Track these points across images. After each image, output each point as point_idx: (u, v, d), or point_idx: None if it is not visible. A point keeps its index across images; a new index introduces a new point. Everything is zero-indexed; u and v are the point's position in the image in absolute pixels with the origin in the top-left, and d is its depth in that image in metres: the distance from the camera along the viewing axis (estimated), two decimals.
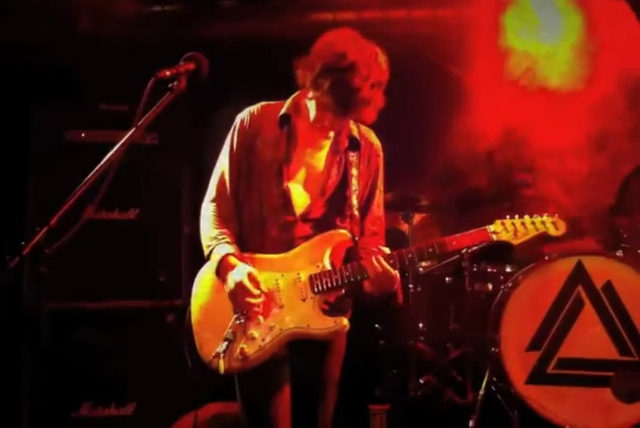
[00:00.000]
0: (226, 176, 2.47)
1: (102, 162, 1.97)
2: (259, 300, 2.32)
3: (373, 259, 2.32)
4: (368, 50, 2.33)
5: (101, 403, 3.71)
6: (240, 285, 2.30)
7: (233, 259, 2.35)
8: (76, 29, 4.26)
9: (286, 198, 2.40)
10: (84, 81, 4.10)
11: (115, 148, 1.99)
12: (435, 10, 4.50)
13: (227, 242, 2.39)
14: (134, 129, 2.03)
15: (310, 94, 2.40)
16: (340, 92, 2.30)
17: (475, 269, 4.31)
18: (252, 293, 2.31)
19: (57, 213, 1.87)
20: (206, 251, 2.43)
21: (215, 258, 2.38)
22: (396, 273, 2.34)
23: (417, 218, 4.62)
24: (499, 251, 4.29)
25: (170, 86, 2.12)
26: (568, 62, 4.05)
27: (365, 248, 2.43)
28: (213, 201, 2.49)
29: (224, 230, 2.42)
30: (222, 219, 2.44)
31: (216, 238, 2.41)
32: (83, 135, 3.84)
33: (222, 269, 2.36)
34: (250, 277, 2.32)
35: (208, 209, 2.48)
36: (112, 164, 1.97)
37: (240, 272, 2.32)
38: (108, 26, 4.37)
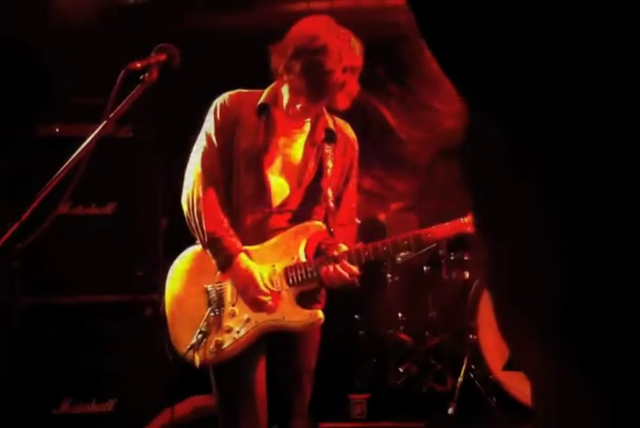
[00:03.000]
0: (215, 154, 2.39)
1: (73, 156, 1.96)
2: (269, 297, 2.32)
3: (337, 266, 2.30)
4: (341, 34, 2.32)
5: (81, 399, 3.70)
6: (255, 282, 2.30)
7: (244, 258, 2.33)
8: (45, 22, 4.21)
9: (264, 188, 2.38)
10: (55, 75, 4.05)
11: (86, 142, 1.98)
12: None
13: (234, 236, 2.34)
14: (105, 122, 2.02)
15: (284, 79, 2.38)
16: (311, 74, 2.29)
17: (452, 257, 4.33)
18: (264, 292, 2.31)
19: (29, 208, 1.87)
20: (202, 238, 2.34)
21: (225, 251, 2.31)
22: (357, 270, 2.33)
23: (394, 206, 4.64)
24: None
25: (141, 77, 2.11)
26: None
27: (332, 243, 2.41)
28: (202, 180, 2.36)
29: (224, 219, 2.34)
30: (217, 201, 2.36)
31: (218, 227, 2.32)
32: (57, 129, 3.80)
33: (234, 265, 2.32)
34: (261, 276, 2.33)
35: (196, 188, 2.36)
36: (84, 158, 1.96)
37: (252, 267, 2.32)
38: (78, 18, 4.32)
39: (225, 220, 2.35)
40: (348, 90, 2.34)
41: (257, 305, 2.33)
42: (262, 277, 2.33)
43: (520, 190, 0.72)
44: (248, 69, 2.62)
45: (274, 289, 2.35)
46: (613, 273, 0.67)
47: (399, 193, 4.57)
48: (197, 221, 2.35)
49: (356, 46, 2.34)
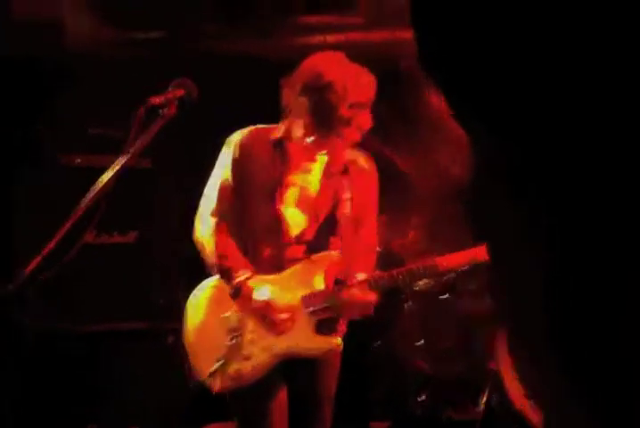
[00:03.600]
0: (229, 190, 2.47)
1: (96, 187, 2.00)
2: (286, 316, 2.35)
3: (348, 295, 2.35)
4: (349, 70, 2.36)
5: (105, 426, 3.72)
6: (268, 304, 2.34)
7: (254, 282, 2.38)
8: (58, 53, 4.28)
9: (279, 221, 2.43)
10: (72, 105, 4.12)
11: (109, 175, 2.02)
12: None
13: (244, 265, 2.40)
14: (128, 156, 2.07)
15: (294, 114, 2.44)
16: (317, 111, 2.35)
17: (471, 287, 4.31)
18: (281, 310, 2.35)
19: (52, 239, 1.91)
20: (217, 269, 2.43)
21: (235, 279, 2.38)
22: (374, 295, 2.37)
23: (411, 234, 4.65)
24: None
25: (160, 112, 2.16)
26: None
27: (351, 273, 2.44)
28: (215, 215, 2.47)
29: (234, 250, 2.42)
30: (228, 235, 2.44)
31: (228, 258, 2.41)
32: (79, 160, 3.88)
33: (244, 291, 2.37)
34: (273, 297, 2.36)
35: (210, 224, 2.46)
36: (106, 190, 2.01)
37: (264, 292, 2.36)
38: (91, 51, 4.39)
39: (236, 251, 2.42)
40: (358, 124, 2.38)
41: (275, 326, 2.35)
42: (274, 300, 2.36)
43: (516, 208, 0.76)
44: (264, 99, 2.67)
45: (292, 306, 2.38)
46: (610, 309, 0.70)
47: (414, 225, 4.57)
48: (208, 254, 2.44)
49: (365, 81, 2.37)
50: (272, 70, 2.55)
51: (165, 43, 4.54)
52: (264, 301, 2.34)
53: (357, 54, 2.47)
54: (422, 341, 4.46)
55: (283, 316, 2.35)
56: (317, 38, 4.43)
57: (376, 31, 4.48)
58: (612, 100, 0.71)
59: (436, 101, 4.22)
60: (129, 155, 2.05)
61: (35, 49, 4.09)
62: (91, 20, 4.41)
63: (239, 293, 2.38)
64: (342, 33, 4.47)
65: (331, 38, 4.41)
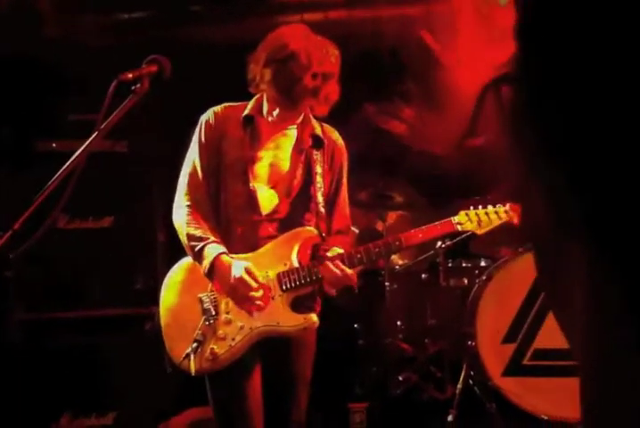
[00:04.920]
0: (199, 175, 2.44)
1: (65, 166, 1.98)
2: (260, 293, 2.32)
3: (329, 263, 2.33)
4: (312, 41, 2.34)
5: (81, 413, 3.69)
6: (240, 280, 2.29)
7: (226, 258, 2.34)
8: (41, 37, 4.25)
9: (252, 198, 2.40)
10: (52, 91, 4.08)
11: (78, 151, 2.00)
12: (401, 8, 4.54)
13: (215, 242, 2.37)
14: (97, 133, 2.04)
15: (260, 88, 2.41)
16: (280, 81, 2.33)
17: (450, 264, 4.34)
18: (252, 287, 2.30)
19: (20, 218, 1.88)
20: (190, 251, 2.40)
21: (207, 258, 2.34)
22: (352, 271, 2.35)
23: (392, 216, 4.65)
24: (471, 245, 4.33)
25: (133, 88, 2.13)
26: None
27: (326, 247, 2.43)
28: (188, 200, 2.44)
29: (206, 229, 2.39)
30: (200, 218, 2.41)
31: (200, 238, 2.37)
32: (54, 145, 3.82)
33: (216, 269, 2.33)
34: (248, 271, 2.32)
35: (183, 209, 2.44)
36: (76, 168, 1.98)
37: (237, 267, 2.31)
38: (73, 34, 4.36)
39: (208, 231, 2.39)
40: (325, 96, 2.35)
41: (248, 303, 2.32)
42: (254, 275, 2.32)
43: (567, 250, 0.73)
44: (244, 81, 2.64)
45: (263, 282, 2.35)
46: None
47: (397, 204, 4.57)
48: (184, 236, 2.41)
49: (330, 53, 2.35)
50: (250, 52, 2.52)
51: (146, 25, 4.50)
52: (239, 277, 2.30)
53: (338, 33, 2.44)
54: (402, 322, 4.48)
55: (259, 293, 2.32)
56: (296, 17, 4.40)
57: (357, 9, 4.46)
58: None
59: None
60: (99, 131, 2.02)
61: (14, 35, 4.04)
62: (71, 3, 4.37)
63: (212, 271, 2.35)
64: (322, 11, 4.45)
65: (310, 17, 4.39)
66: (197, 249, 2.36)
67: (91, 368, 3.64)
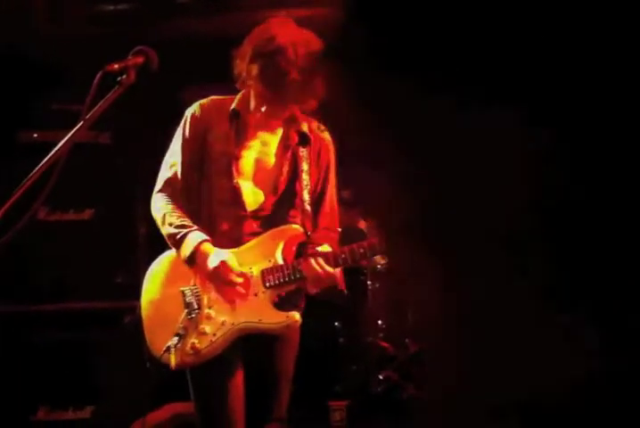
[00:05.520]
0: (178, 169, 2.42)
1: (47, 157, 1.95)
2: (241, 280, 2.30)
3: (312, 261, 2.31)
4: (299, 35, 2.31)
5: (58, 406, 3.66)
6: (223, 265, 2.28)
7: (209, 245, 2.33)
8: (26, 27, 4.20)
9: (237, 194, 2.38)
10: (38, 81, 4.04)
11: (62, 142, 1.97)
12: None
13: (198, 230, 2.35)
14: (81, 124, 2.01)
15: (247, 83, 2.39)
16: (267, 76, 2.30)
17: None
18: (235, 272, 2.29)
19: (0, 210, 1.85)
20: (170, 240, 2.37)
21: (189, 244, 2.32)
22: (336, 271, 2.33)
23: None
24: None
25: (119, 79, 2.10)
26: None
27: (313, 243, 2.41)
28: (164, 192, 2.42)
29: (186, 218, 2.37)
30: (179, 209, 2.40)
31: (182, 226, 2.35)
32: (35, 135, 3.78)
33: (199, 255, 2.31)
34: (230, 258, 2.31)
35: (161, 200, 2.42)
36: (59, 159, 1.95)
37: (220, 254, 2.30)
38: (59, 25, 4.31)
39: (189, 221, 2.37)
40: (312, 91, 2.31)
41: (230, 290, 2.30)
42: (230, 260, 2.31)
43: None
44: (227, 75, 2.62)
45: (251, 291, 2.33)
46: None
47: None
48: (165, 224, 2.38)
49: (317, 48, 2.30)
50: (236, 45, 2.50)
51: (131, 17, 4.47)
52: (220, 261, 2.29)
53: (326, 29, 2.41)
54: (383, 321, 4.49)
55: (239, 278, 2.30)
56: (282, 12, 4.38)
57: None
58: None
59: None
60: (84, 122, 1.99)
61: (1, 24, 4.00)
62: None
63: (194, 256, 2.33)
64: (310, 8, 4.43)
65: (297, 13, 4.36)
66: (179, 236, 2.34)
67: (69, 362, 3.62)
